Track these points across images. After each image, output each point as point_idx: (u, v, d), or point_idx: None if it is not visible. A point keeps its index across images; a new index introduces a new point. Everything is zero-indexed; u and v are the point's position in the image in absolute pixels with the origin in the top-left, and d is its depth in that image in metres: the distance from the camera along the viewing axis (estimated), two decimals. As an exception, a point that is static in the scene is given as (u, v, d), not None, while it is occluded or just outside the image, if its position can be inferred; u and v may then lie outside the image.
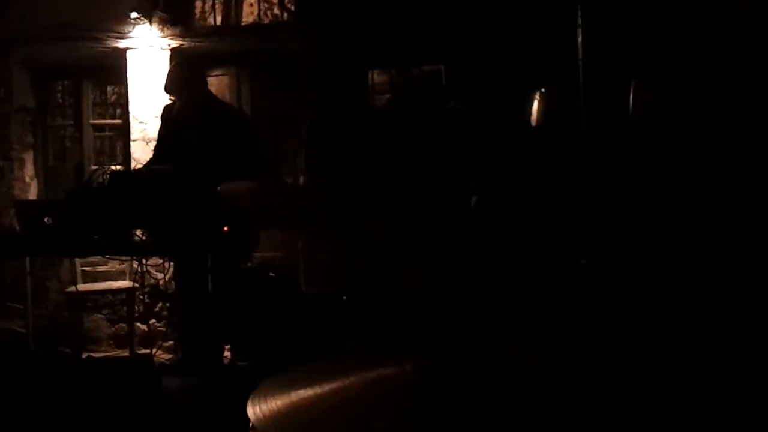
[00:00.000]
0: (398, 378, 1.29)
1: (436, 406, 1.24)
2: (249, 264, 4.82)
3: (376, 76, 5.70)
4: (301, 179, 5.56)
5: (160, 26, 5.35)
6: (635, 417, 1.34)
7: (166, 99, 4.60)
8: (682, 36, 3.55)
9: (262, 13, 5.48)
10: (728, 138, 3.21)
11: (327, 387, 1.30)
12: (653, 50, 3.71)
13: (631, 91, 3.92)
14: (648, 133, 3.68)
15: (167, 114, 4.35)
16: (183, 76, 4.22)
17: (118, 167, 5.50)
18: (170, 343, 5.15)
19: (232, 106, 5.02)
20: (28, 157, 5.84)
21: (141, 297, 5.31)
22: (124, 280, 5.28)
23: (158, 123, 4.51)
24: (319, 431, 1.23)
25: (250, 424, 1.23)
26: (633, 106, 3.91)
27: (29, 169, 5.82)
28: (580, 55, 3.40)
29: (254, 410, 1.24)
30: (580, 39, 3.36)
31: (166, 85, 4.24)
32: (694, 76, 3.50)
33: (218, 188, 3.91)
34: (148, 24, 5.34)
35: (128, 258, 4.77)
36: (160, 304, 5.40)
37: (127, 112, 5.56)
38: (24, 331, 5.01)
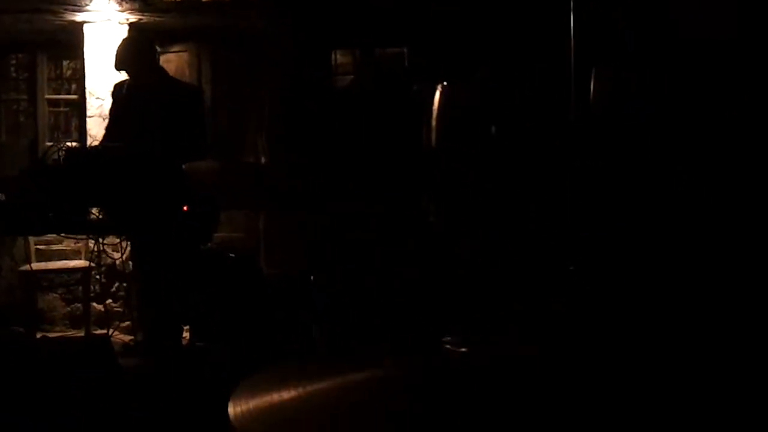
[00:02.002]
0: (381, 380, 1.29)
1: (420, 408, 1.24)
2: (208, 244, 4.78)
3: (339, 57, 5.66)
4: (263, 159, 5.51)
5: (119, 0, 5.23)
6: (634, 417, 1.35)
7: (123, 75, 4.50)
8: (658, 32, 3.58)
9: (223, -11, 5.39)
10: (709, 134, 3.25)
11: (309, 388, 1.29)
12: (631, 44, 3.72)
13: (592, 79, 3.94)
14: (609, 124, 3.70)
15: (118, 92, 4.25)
16: (133, 52, 4.10)
17: (74, 144, 5.38)
18: (127, 323, 5.08)
19: (183, 82, 4.91)
20: (-20, 132, 5.70)
21: (97, 277, 5.23)
22: (80, 259, 5.19)
23: (112, 100, 4.42)
24: None
25: (231, 424, 1.21)
26: (593, 94, 3.93)
27: (-19, 145, 5.68)
28: (572, 46, 3.38)
29: (235, 410, 1.22)
30: (572, 27, 3.34)
31: (116, 61, 4.13)
32: (666, 72, 3.53)
33: (183, 167, 3.86)
34: (106, -3, 5.21)
35: (84, 237, 4.69)
36: (116, 284, 5.32)
37: (84, 88, 5.44)
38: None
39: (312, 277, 3.95)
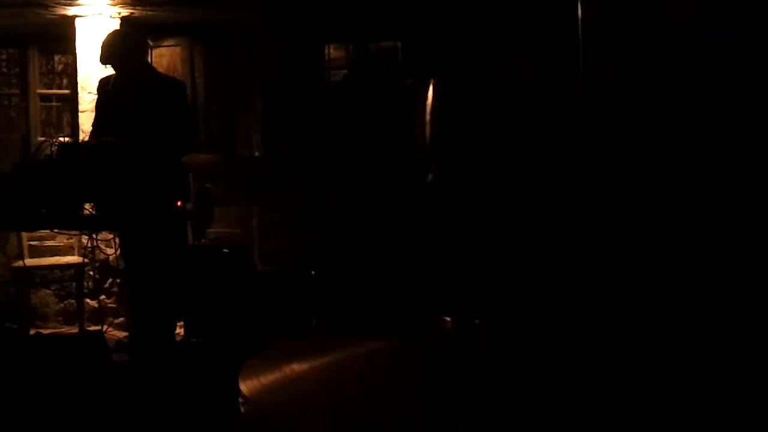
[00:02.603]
0: (385, 353, 1.31)
1: (421, 380, 1.26)
2: (203, 240, 4.77)
3: (333, 51, 5.65)
4: (256, 153, 5.49)
5: (110, -7, 5.20)
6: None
7: (110, 69, 4.47)
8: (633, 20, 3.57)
9: (217, -17, 5.37)
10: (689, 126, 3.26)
11: (316, 362, 1.32)
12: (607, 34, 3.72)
13: (580, 71, 3.93)
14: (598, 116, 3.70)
15: (104, 87, 4.22)
16: (118, 47, 4.06)
17: (67, 138, 5.35)
18: (121, 319, 5.07)
19: (169, 76, 4.87)
20: (-29, 128, 5.66)
21: (91, 273, 5.20)
22: (73, 255, 5.17)
23: (105, 94, 4.39)
24: (309, 403, 1.24)
25: (241, 398, 1.23)
26: (581, 87, 3.93)
27: (-28, 140, 5.63)
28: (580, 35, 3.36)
29: (246, 383, 1.25)
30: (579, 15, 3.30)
31: (101, 56, 4.09)
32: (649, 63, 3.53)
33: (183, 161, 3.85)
34: (97, -9, 5.18)
35: (77, 232, 4.67)
36: (110, 280, 5.29)
37: (75, 82, 5.41)
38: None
39: (312, 272, 3.95)
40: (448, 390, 1.27)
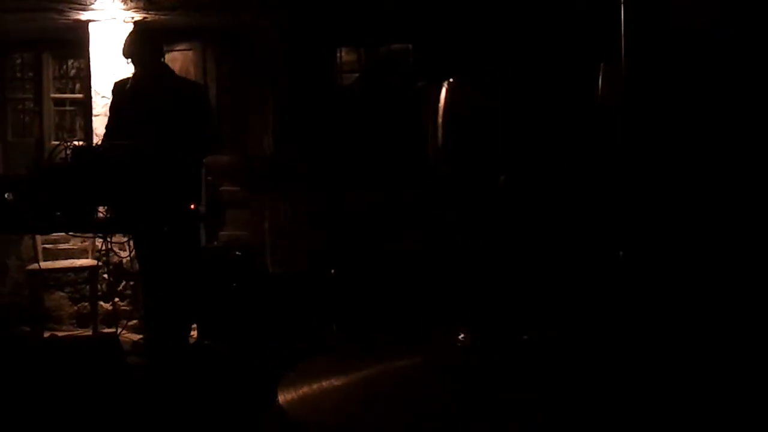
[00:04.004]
0: (417, 368, 1.32)
1: (454, 395, 1.26)
2: (215, 243, 4.78)
3: (344, 55, 5.66)
4: (268, 155, 5.51)
5: (123, -2, 5.23)
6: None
7: (128, 73, 4.50)
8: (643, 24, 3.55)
9: (228, -13, 5.39)
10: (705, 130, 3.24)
11: (353, 376, 1.33)
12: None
13: (600, 75, 3.91)
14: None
15: (120, 89, 4.24)
16: (139, 44, 4.09)
17: (81, 142, 5.38)
18: (135, 322, 5.09)
19: (188, 79, 4.91)
20: (-14, 132, 5.70)
21: (104, 275, 5.23)
22: (87, 258, 5.20)
23: (118, 98, 4.41)
24: (346, 417, 1.25)
25: (280, 406, 1.24)
26: (601, 90, 3.90)
27: (-13, 144, 5.69)
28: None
29: (284, 396, 1.26)
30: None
31: (123, 49, 4.13)
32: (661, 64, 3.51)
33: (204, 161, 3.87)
34: (110, -4, 5.21)
35: (91, 235, 4.70)
36: (123, 283, 5.32)
37: (89, 87, 5.44)
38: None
39: (333, 272, 3.95)
40: (466, 404, 1.28)
